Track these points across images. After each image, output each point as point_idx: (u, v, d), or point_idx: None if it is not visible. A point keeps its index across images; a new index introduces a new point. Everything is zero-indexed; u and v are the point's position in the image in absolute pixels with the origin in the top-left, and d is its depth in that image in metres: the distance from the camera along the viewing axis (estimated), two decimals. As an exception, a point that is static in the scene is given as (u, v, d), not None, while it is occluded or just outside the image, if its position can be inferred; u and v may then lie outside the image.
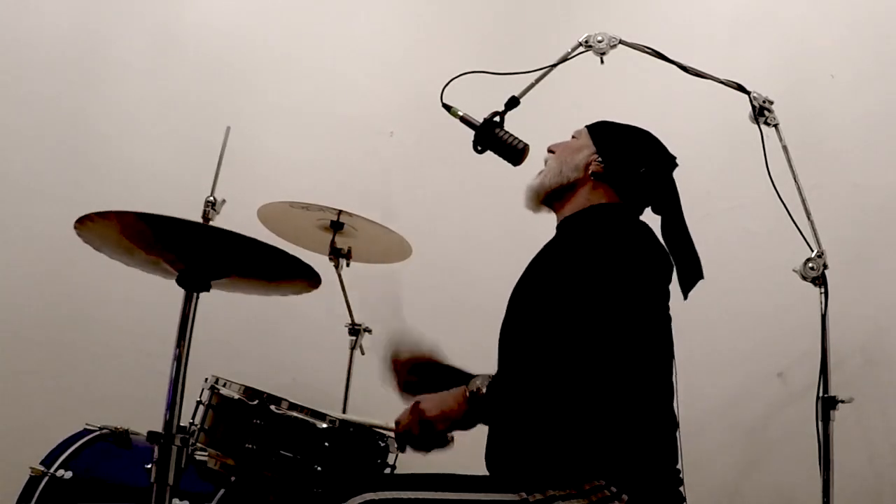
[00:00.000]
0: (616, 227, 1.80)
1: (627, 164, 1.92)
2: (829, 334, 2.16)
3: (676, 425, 1.74)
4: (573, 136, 2.02)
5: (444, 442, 1.68)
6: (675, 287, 1.83)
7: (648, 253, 1.74)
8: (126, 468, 2.23)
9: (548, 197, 1.97)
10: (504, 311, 1.92)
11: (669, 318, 1.78)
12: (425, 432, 1.65)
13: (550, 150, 2.01)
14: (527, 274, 1.90)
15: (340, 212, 2.71)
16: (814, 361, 2.17)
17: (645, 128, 2.00)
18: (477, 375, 1.66)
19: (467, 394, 1.61)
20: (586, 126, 2.01)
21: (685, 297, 1.83)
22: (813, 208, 2.21)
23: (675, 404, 1.76)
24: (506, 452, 1.75)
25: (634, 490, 1.59)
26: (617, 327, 1.59)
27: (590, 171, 1.91)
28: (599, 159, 1.92)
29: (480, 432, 1.77)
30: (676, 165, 1.97)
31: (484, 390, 1.59)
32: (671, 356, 1.78)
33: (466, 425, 1.64)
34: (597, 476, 1.58)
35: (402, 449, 1.72)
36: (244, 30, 3.66)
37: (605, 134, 1.97)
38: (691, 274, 1.88)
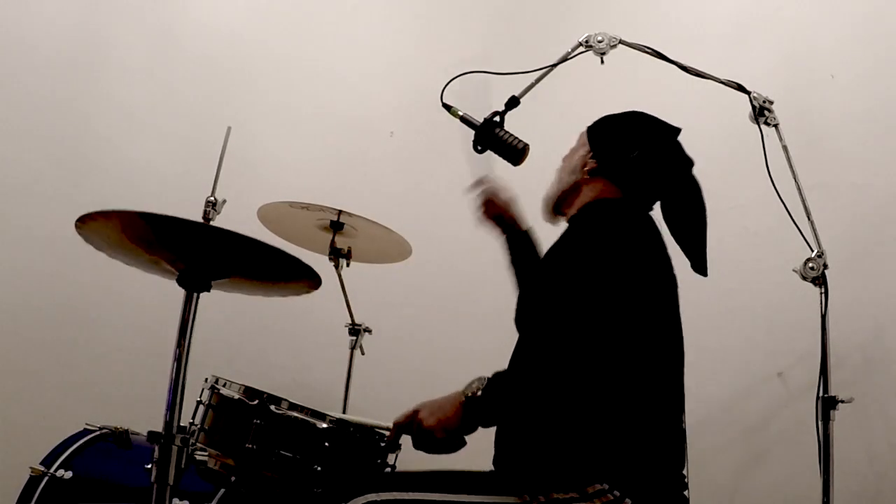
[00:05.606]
0: (612, 223, 1.75)
1: (618, 153, 1.89)
2: (829, 334, 2.16)
3: (684, 430, 1.72)
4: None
5: (452, 447, 1.65)
6: (685, 288, 1.82)
7: (647, 249, 1.70)
8: (126, 468, 2.23)
9: (555, 206, 1.98)
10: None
11: (679, 322, 1.76)
12: (424, 441, 1.62)
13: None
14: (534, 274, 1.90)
15: (340, 212, 2.71)
16: (814, 361, 2.17)
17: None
18: (474, 379, 1.62)
19: (463, 398, 1.59)
20: (588, 127, 2.00)
21: (705, 275, 1.83)
22: (813, 208, 2.21)
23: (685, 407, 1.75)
24: (510, 454, 1.74)
25: (638, 494, 1.57)
26: (612, 325, 1.57)
27: (586, 170, 1.91)
28: (592, 157, 1.91)
29: (492, 437, 1.77)
30: (678, 132, 1.90)
31: (480, 393, 1.57)
32: (681, 361, 1.76)
33: (466, 431, 1.61)
34: (600, 479, 1.57)
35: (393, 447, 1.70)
36: (244, 30, 3.66)
37: (598, 130, 1.96)
38: (696, 260, 1.86)
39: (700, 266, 1.87)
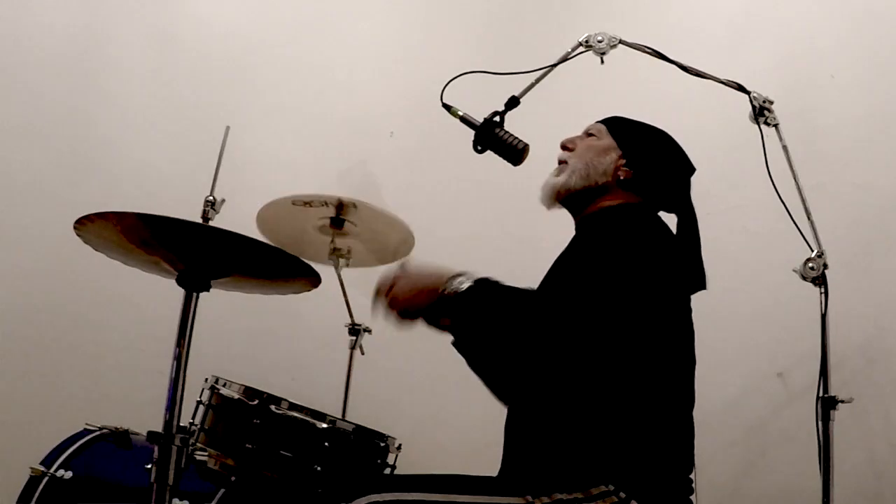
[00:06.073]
0: (637, 226, 1.77)
1: (655, 176, 1.89)
2: (829, 334, 2.16)
3: (693, 432, 1.71)
4: (589, 133, 1.97)
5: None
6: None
7: (668, 252, 1.72)
8: (126, 468, 2.23)
9: (570, 197, 1.91)
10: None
11: (692, 328, 1.76)
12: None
13: (566, 147, 1.96)
14: (548, 275, 1.88)
15: (340, 201, 2.67)
16: (814, 361, 2.17)
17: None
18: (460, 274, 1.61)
19: (441, 292, 1.59)
20: (604, 122, 1.97)
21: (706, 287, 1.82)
22: (813, 208, 2.21)
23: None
24: (517, 456, 1.73)
25: (643, 497, 1.56)
26: (632, 323, 1.56)
27: (619, 177, 1.87)
28: (626, 165, 1.88)
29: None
30: (693, 172, 1.95)
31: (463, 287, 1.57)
32: (692, 363, 1.75)
33: (428, 320, 1.64)
34: (605, 481, 1.56)
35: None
36: (244, 30, 3.66)
37: (630, 136, 1.93)
38: (693, 281, 1.84)
39: (702, 280, 1.87)
